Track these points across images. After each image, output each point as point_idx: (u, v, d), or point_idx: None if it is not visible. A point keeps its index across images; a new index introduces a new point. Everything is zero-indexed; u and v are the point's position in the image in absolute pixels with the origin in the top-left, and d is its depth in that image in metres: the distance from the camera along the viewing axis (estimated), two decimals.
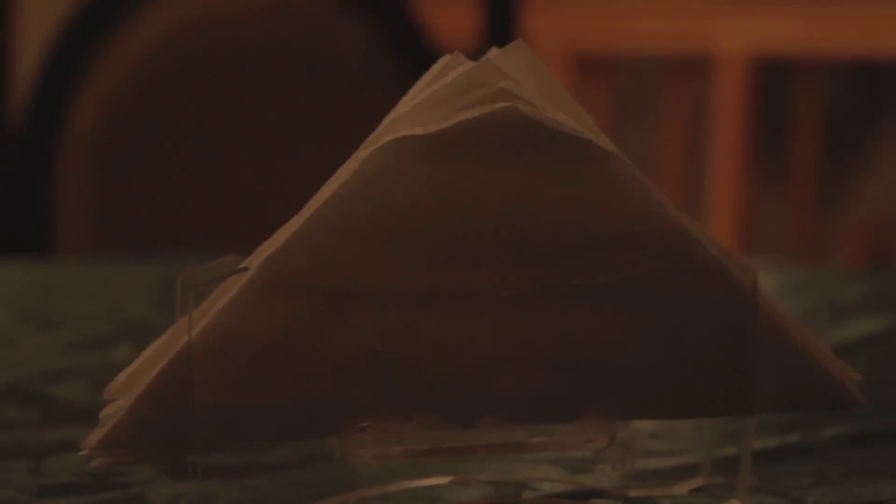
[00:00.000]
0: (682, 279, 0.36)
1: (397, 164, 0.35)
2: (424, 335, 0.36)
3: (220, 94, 1.44)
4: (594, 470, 0.45)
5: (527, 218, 0.36)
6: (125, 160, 1.36)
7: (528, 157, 0.36)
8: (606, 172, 0.36)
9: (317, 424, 0.37)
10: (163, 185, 1.40)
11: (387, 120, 0.37)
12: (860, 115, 3.32)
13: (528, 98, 0.35)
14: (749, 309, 0.36)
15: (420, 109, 0.37)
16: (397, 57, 1.36)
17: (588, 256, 0.36)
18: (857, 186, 3.41)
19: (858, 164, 3.35)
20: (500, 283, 0.36)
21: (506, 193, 0.36)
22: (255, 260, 0.36)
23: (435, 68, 0.37)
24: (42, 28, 1.43)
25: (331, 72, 1.40)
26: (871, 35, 2.63)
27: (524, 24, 1.48)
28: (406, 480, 0.42)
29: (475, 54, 0.38)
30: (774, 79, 3.00)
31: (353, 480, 0.42)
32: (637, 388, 0.37)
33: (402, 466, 0.42)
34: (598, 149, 0.36)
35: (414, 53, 1.37)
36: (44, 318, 0.79)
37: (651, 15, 2.85)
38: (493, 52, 0.37)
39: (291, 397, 0.36)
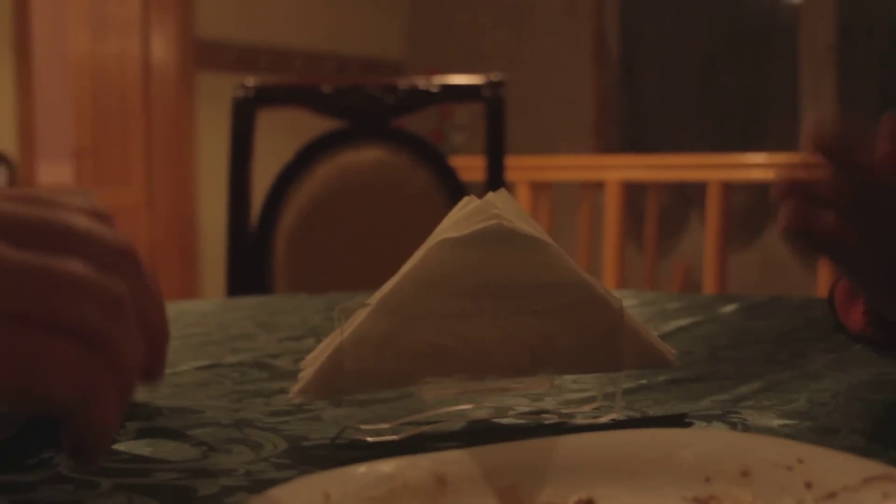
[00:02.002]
0: (584, 304, 0.55)
1: (443, 252, 0.54)
2: (457, 335, 0.54)
3: (349, 217, 1.79)
4: (543, 399, 0.62)
5: (507, 275, 0.54)
6: (305, 244, 1.81)
7: (506, 247, 0.54)
8: (547, 254, 0.55)
9: (403, 380, 0.54)
10: (323, 259, 1.80)
11: (437, 230, 0.56)
12: (678, 210, 5.88)
13: (506, 217, 0.54)
14: (618, 318, 0.55)
15: (453, 223, 0.56)
16: (442, 190, 1.73)
17: (539, 293, 0.54)
18: (676, 248, 6.02)
19: (677, 235, 5.92)
20: (494, 307, 0.54)
21: (496, 264, 0.54)
22: (373, 299, 0.54)
23: (460, 204, 0.57)
24: (266, 177, 1.78)
25: (406, 201, 1.75)
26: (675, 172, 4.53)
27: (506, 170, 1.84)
28: (448, 407, 0.58)
29: (481, 192, 0.58)
30: (635, 193, 5.00)
31: (420, 407, 0.58)
32: (563, 359, 0.55)
33: (446, 400, 0.57)
34: (542, 242, 0.55)
35: (451, 187, 1.79)
36: (268, 325, 0.96)
37: (573, 164, 4.84)
38: (489, 195, 0.56)
39: (390, 367, 0.53)
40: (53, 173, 6.00)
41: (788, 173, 0.59)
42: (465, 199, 0.58)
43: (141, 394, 0.66)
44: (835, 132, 0.58)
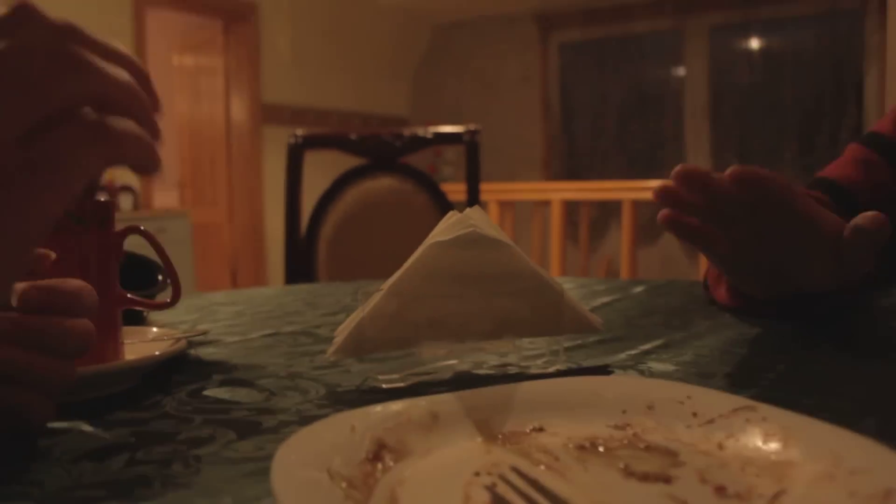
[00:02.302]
0: (536, 288, 0.54)
1: (434, 251, 0.54)
2: (446, 311, 0.54)
3: (370, 227, 1.78)
4: (507, 356, 0.62)
5: (481, 268, 0.54)
6: (339, 246, 1.80)
7: (480, 247, 0.54)
8: (509, 252, 0.55)
9: (408, 344, 0.54)
10: (352, 257, 1.79)
11: (430, 235, 0.56)
12: (602, 220, 5.84)
13: (480, 226, 0.54)
14: (560, 297, 0.55)
15: (441, 231, 0.55)
16: (436, 206, 1.74)
17: (503, 280, 0.54)
18: (601, 247, 5.88)
19: (602, 238, 5.87)
20: (472, 291, 0.54)
21: (473, 260, 0.54)
22: (385, 285, 0.54)
23: (446, 217, 0.57)
24: (312, 199, 1.78)
25: (411, 215, 1.73)
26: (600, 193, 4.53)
27: (481, 193, 1.81)
28: (441, 363, 0.58)
29: (463, 208, 0.57)
30: (572, 208, 4.91)
31: (420, 363, 0.58)
32: (521, 327, 0.55)
33: (439, 357, 0.58)
34: (505, 243, 0.55)
35: (442, 204, 1.80)
36: (313, 304, 0.95)
37: (529, 188, 4.77)
38: (467, 210, 0.56)
39: (398, 334, 0.54)
40: (164, 198, 5.99)
41: (661, 189, 0.60)
42: (450, 213, 0.58)
43: (222, 355, 0.67)
44: (694, 168, 0.59)
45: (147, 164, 0.33)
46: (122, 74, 0.33)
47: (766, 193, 0.61)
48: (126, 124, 0.32)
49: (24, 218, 0.30)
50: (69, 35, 0.32)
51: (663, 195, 0.60)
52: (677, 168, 0.59)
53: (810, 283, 0.67)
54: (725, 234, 0.63)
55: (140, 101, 0.33)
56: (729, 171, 0.60)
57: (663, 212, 0.61)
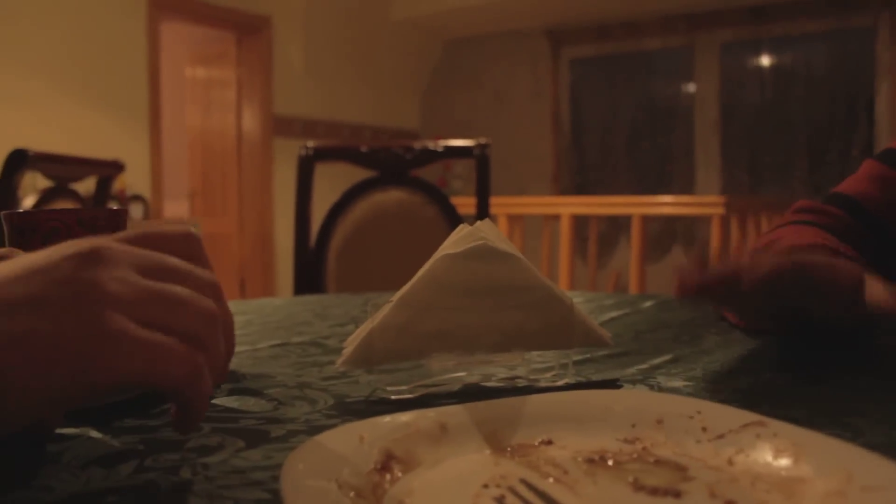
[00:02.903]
0: (545, 301, 0.54)
1: (444, 263, 0.54)
2: (455, 322, 0.53)
3: (379, 239, 1.78)
4: (516, 369, 0.61)
5: (490, 280, 0.54)
6: (349, 258, 1.79)
7: (489, 260, 0.54)
8: (519, 265, 0.54)
9: (417, 355, 0.54)
10: (361, 269, 1.79)
11: (440, 248, 0.56)
12: (611, 234, 5.86)
13: (489, 239, 0.54)
14: (569, 310, 0.54)
15: (451, 243, 0.56)
16: (446, 219, 1.72)
17: (512, 293, 0.54)
18: (610, 261, 5.89)
19: (610, 252, 5.87)
20: (481, 303, 0.53)
21: (483, 272, 0.54)
22: (395, 297, 0.54)
23: (456, 230, 0.57)
24: (321, 210, 1.78)
25: (420, 228, 1.73)
26: (609, 208, 4.60)
27: (491, 207, 1.80)
28: (449, 374, 0.57)
29: (473, 222, 0.58)
30: (581, 222, 5.19)
31: (429, 374, 0.57)
32: (530, 340, 0.55)
33: (448, 369, 0.56)
34: (515, 256, 0.55)
35: (451, 217, 1.78)
36: (322, 315, 0.95)
37: (538, 203, 4.71)
38: (477, 223, 0.56)
39: (407, 345, 0.53)
40: (174, 208, 6.02)
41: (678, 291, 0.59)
42: (460, 226, 0.58)
43: (231, 364, 0.66)
44: (711, 280, 0.59)
45: (194, 420, 0.37)
46: (224, 356, 0.39)
47: (781, 283, 0.61)
48: (210, 380, 0.36)
49: (102, 369, 0.32)
50: (214, 290, 0.39)
51: (682, 292, 0.59)
52: (679, 287, 0.58)
53: (828, 325, 0.67)
54: (743, 307, 0.66)
55: (221, 374, 0.38)
56: (748, 276, 0.59)
57: (678, 290, 0.60)
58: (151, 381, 0.33)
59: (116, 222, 0.58)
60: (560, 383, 0.57)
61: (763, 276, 0.60)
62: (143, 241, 0.39)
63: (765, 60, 5.72)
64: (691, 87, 5.97)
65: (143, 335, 0.33)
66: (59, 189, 2.04)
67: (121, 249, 0.36)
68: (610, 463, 0.39)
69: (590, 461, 0.39)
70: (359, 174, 1.83)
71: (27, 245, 0.55)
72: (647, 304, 0.99)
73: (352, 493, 0.33)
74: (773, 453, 0.37)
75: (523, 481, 0.35)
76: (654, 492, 0.35)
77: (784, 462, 0.36)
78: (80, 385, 0.31)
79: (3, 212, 0.56)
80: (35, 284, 0.32)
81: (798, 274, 0.62)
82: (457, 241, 0.56)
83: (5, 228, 0.56)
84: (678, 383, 0.57)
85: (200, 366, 0.35)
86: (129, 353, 0.32)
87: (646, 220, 4.20)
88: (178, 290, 0.36)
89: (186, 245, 0.41)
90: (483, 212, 1.82)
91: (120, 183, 4.41)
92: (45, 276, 0.32)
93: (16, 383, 0.29)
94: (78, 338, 0.31)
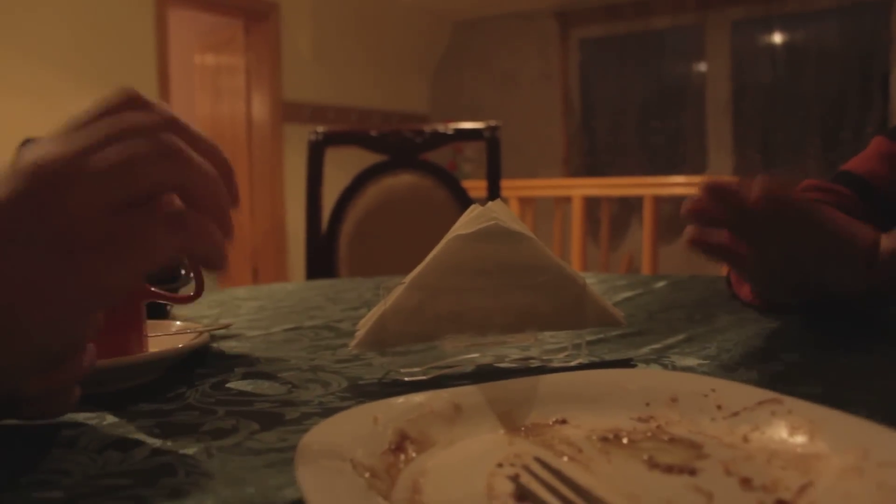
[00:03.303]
0: (558, 281, 0.54)
1: (456, 244, 0.54)
2: (468, 304, 0.53)
3: (391, 223, 1.79)
4: (529, 349, 0.62)
5: (502, 261, 0.53)
6: (360, 242, 1.80)
7: (502, 240, 0.53)
8: (531, 245, 0.54)
9: (429, 337, 0.54)
10: (373, 253, 1.80)
11: (452, 229, 0.56)
12: (623, 216, 5.88)
13: (501, 219, 0.54)
14: (582, 291, 0.54)
15: (463, 224, 0.55)
16: (457, 203, 1.72)
17: (525, 273, 0.54)
18: (622, 243, 5.85)
19: (622, 234, 5.87)
20: (494, 284, 0.53)
21: (495, 253, 0.53)
22: (407, 279, 0.54)
23: (468, 210, 0.56)
24: (332, 195, 1.78)
25: (431, 212, 1.73)
26: (621, 189, 4.56)
27: (501, 190, 1.79)
28: (462, 356, 0.58)
29: (483, 203, 0.57)
30: (592, 204, 5.07)
31: (442, 356, 0.58)
32: (543, 320, 0.55)
33: (461, 350, 0.56)
34: (527, 236, 0.54)
35: (462, 201, 1.77)
36: (335, 299, 0.96)
37: (549, 185, 4.73)
38: (489, 203, 0.56)
39: (420, 328, 0.53)
40: None
41: (691, 204, 0.59)
42: (472, 207, 0.57)
43: (244, 348, 0.67)
44: (722, 183, 0.59)
45: (214, 261, 0.34)
46: (208, 168, 0.34)
47: (792, 214, 0.60)
48: (202, 220, 0.34)
49: (91, 285, 0.32)
50: (169, 125, 0.34)
51: (692, 213, 0.59)
52: (705, 181, 0.59)
53: (841, 291, 0.66)
54: (754, 252, 0.62)
55: (220, 198, 0.35)
56: (755, 191, 0.58)
57: (689, 233, 0.61)
58: (147, 262, 0.32)
59: None
60: (573, 363, 0.57)
61: (771, 196, 0.58)
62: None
63: (777, 38, 5.66)
64: (702, 67, 5.92)
65: (112, 226, 0.32)
66: None
67: (59, 150, 0.33)
68: (624, 441, 0.39)
69: (604, 440, 0.39)
70: (369, 158, 1.82)
71: None
72: (660, 284, 0.99)
73: (367, 474, 0.33)
74: (788, 430, 0.37)
75: (538, 459, 0.35)
76: (669, 469, 0.35)
77: (800, 439, 0.36)
78: (87, 305, 0.32)
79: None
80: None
81: (809, 214, 0.61)
82: (468, 221, 0.56)
83: None
84: (692, 362, 0.57)
85: (185, 215, 0.33)
86: (112, 253, 0.32)
87: (658, 200, 4.18)
88: (128, 149, 0.32)
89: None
90: (494, 195, 1.81)
91: None
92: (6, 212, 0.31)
93: (17, 329, 0.30)
94: (58, 268, 0.31)
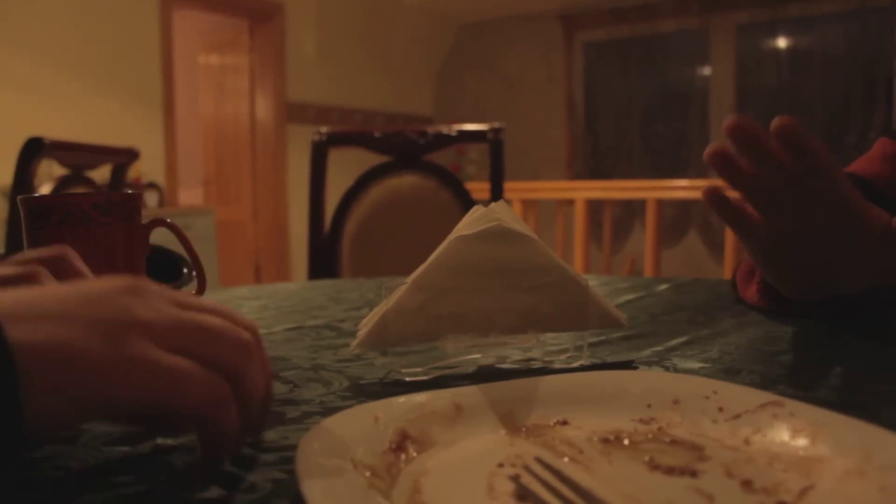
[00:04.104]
0: (560, 282, 0.54)
1: (459, 245, 0.53)
2: (470, 305, 0.53)
3: (393, 224, 1.79)
4: (531, 350, 0.61)
5: (505, 262, 0.53)
6: (363, 243, 1.79)
7: (504, 241, 0.53)
8: (534, 246, 0.54)
9: (431, 337, 0.53)
10: (375, 253, 1.79)
11: (454, 229, 0.56)
12: (626, 219, 5.85)
13: (504, 220, 0.53)
14: (585, 292, 0.54)
15: (465, 225, 0.55)
16: (460, 204, 1.72)
17: (527, 274, 0.53)
18: (625, 246, 5.83)
19: (625, 237, 5.83)
20: (496, 285, 0.53)
21: (497, 254, 0.53)
22: (409, 279, 0.54)
23: (470, 211, 0.56)
24: (335, 196, 1.78)
25: (434, 213, 1.73)
26: (624, 192, 4.48)
27: (505, 192, 1.78)
28: (464, 357, 0.57)
29: (487, 203, 0.57)
30: (595, 207, 4.91)
31: (444, 356, 0.57)
32: (545, 322, 0.54)
33: (462, 351, 0.56)
34: (530, 237, 0.54)
35: (465, 203, 1.75)
36: (337, 299, 0.94)
37: (552, 187, 4.66)
38: (492, 204, 0.56)
39: (422, 328, 0.53)
40: (189, 196, 6.04)
41: (714, 150, 0.57)
42: (475, 208, 0.57)
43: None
44: (742, 124, 0.56)
45: (219, 449, 0.35)
46: (262, 378, 0.37)
47: (812, 165, 0.57)
48: (235, 408, 0.35)
49: (122, 387, 0.32)
50: (253, 333, 0.38)
51: (715, 157, 0.57)
52: (731, 119, 0.56)
53: (849, 281, 0.65)
54: (768, 220, 0.60)
55: (257, 406, 0.37)
56: (776, 120, 0.56)
57: (708, 187, 0.59)
58: (169, 404, 0.33)
59: (131, 206, 0.58)
60: (575, 365, 0.57)
61: (793, 130, 0.55)
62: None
63: (781, 42, 5.66)
64: (706, 70, 5.92)
65: (164, 359, 0.33)
66: (75, 177, 2.05)
67: (161, 287, 0.36)
68: (626, 443, 0.38)
69: (605, 441, 0.39)
70: (372, 160, 1.83)
71: (43, 228, 0.55)
72: (663, 287, 0.99)
73: (367, 473, 0.33)
74: (790, 433, 0.37)
75: (538, 460, 0.35)
76: (670, 471, 0.35)
77: (801, 442, 0.36)
78: (96, 402, 0.31)
79: (20, 196, 0.57)
80: (70, 303, 0.32)
81: (828, 169, 0.58)
82: (471, 222, 0.56)
83: (22, 212, 0.57)
84: (694, 365, 0.56)
85: (224, 393, 0.34)
86: (148, 376, 0.32)
87: (661, 204, 4.18)
88: (212, 319, 0.36)
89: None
90: (497, 197, 1.81)
91: (135, 171, 4.42)
92: (81, 297, 0.33)
93: (32, 390, 0.29)
94: (99, 356, 0.31)
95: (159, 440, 0.41)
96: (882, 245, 0.61)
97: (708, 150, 0.57)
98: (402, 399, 0.41)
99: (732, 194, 0.62)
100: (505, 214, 0.56)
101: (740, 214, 0.61)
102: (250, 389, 0.36)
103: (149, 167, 4.68)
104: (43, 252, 0.43)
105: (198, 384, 0.33)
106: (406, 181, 1.84)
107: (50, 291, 0.33)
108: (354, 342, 0.55)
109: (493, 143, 1.81)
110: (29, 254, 0.43)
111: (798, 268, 0.65)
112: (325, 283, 1.14)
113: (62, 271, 0.44)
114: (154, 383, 0.32)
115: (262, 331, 0.73)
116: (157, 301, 0.35)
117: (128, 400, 0.32)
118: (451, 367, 0.56)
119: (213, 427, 0.34)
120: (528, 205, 4.49)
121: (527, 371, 0.56)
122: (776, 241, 0.63)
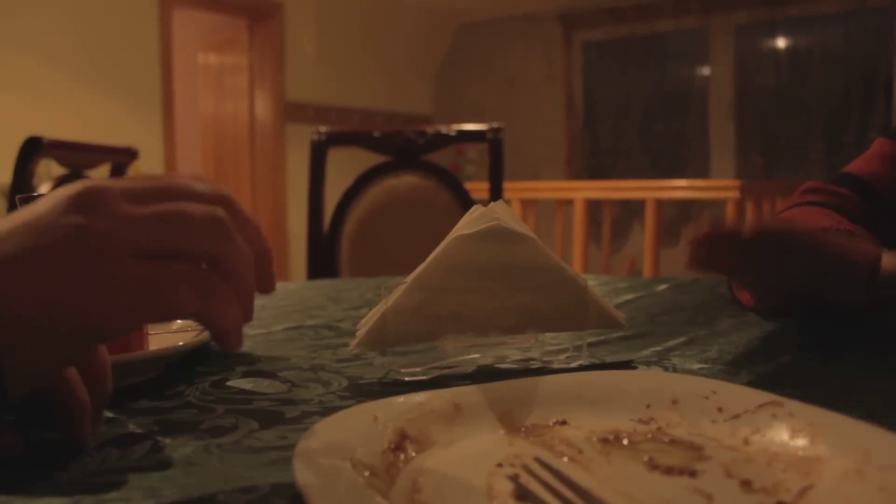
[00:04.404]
0: (559, 282, 0.54)
1: (458, 244, 0.53)
2: (469, 304, 0.53)
3: (393, 224, 1.79)
4: (530, 350, 0.62)
5: (504, 262, 0.53)
6: (362, 243, 1.80)
7: (503, 241, 0.53)
8: (533, 246, 0.54)
9: (430, 337, 0.53)
10: (374, 253, 1.80)
11: (453, 229, 0.56)
12: (625, 219, 5.86)
13: (503, 219, 0.54)
14: (583, 292, 0.54)
15: (464, 224, 0.55)
16: (459, 204, 1.71)
17: (526, 274, 0.53)
18: (624, 246, 5.83)
19: (624, 237, 5.82)
20: (495, 285, 0.53)
21: (496, 253, 0.53)
22: (408, 279, 0.54)
23: (469, 211, 0.56)
24: (335, 196, 1.78)
25: (433, 213, 1.73)
26: (623, 192, 4.44)
27: (504, 191, 1.78)
28: (463, 356, 0.58)
29: (486, 202, 0.57)
30: (594, 207, 4.91)
31: (443, 356, 0.58)
32: (544, 322, 0.54)
33: (461, 351, 0.56)
34: (529, 237, 0.54)
35: (465, 203, 1.75)
36: (336, 299, 0.95)
37: (551, 187, 4.63)
38: (491, 204, 0.56)
39: (421, 328, 0.53)
40: None
41: (691, 259, 0.59)
42: (474, 207, 0.57)
43: (245, 347, 0.67)
44: (718, 231, 0.58)
45: (228, 337, 0.34)
46: (245, 248, 0.35)
47: (789, 250, 0.60)
48: (227, 294, 0.33)
49: (94, 319, 0.31)
50: (222, 200, 0.35)
51: (694, 264, 0.59)
52: (702, 235, 0.58)
53: (844, 306, 0.66)
54: (755, 279, 0.63)
55: (249, 279, 0.35)
56: (748, 230, 0.59)
57: (690, 259, 0.60)
58: (160, 313, 0.31)
59: None
60: (574, 365, 0.57)
61: (767, 228, 0.59)
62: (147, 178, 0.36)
63: (780, 42, 5.66)
64: (706, 70, 5.92)
65: (140, 269, 0.31)
66: (74, 176, 2.04)
67: (111, 184, 0.33)
68: (625, 442, 0.38)
69: (604, 441, 0.39)
70: (371, 159, 1.82)
71: None
72: (662, 287, 0.99)
73: (366, 473, 0.33)
74: (789, 433, 0.37)
75: (537, 459, 0.35)
76: (669, 471, 0.35)
77: (801, 442, 0.36)
78: (86, 334, 0.30)
79: (18, 195, 0.56)
80: (24, 238, 0.31)
81: (809, 252, 0.61)
82: (470, 222, 0.56)
83: None
84: (693, 365, 0.56)
85: (211, 282, 0.33)
86: (129, 291, 0.31)
87: (660, 204, 4.18)
88: (176, 207, 0.33)
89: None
90: (496, 196, 1.81)
91: (134, 170, 4.42)
92: (33, 228, 0.31)
93: (18, 342, 0.29)
94: (74, 288, 0.30)
95: (157, 442, 0.41)
96: (870, 280, 0.62)
97: (687, 262, 0.59)
98: (401, 399, 0.41)
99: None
100: (504, 214, 0.56)
101: (728, 267, 0.62)
102: (237, 267, 0.34)
103: (148, 166, 4.68)
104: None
105: (178, 285, 0.32)
106: (405, 181, 1.84)
107: None
108: (353, 342, 0.55)
109: (493, 143, 1.81)
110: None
111: (791, 301, 0.68)
112: (323, 283, 1.14)
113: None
114: (137, 296, 0.31)
115: (260, 330, 0.73)
116: (112, 204, 0.32)
117: (115, 322, 0.31)
118: (451, 367, 0.56)
119: (211, 318, 0.33)
120: (527, 204, 4.49)
121: (526, 371, 0.56)
122: (764, 285, 0.65)
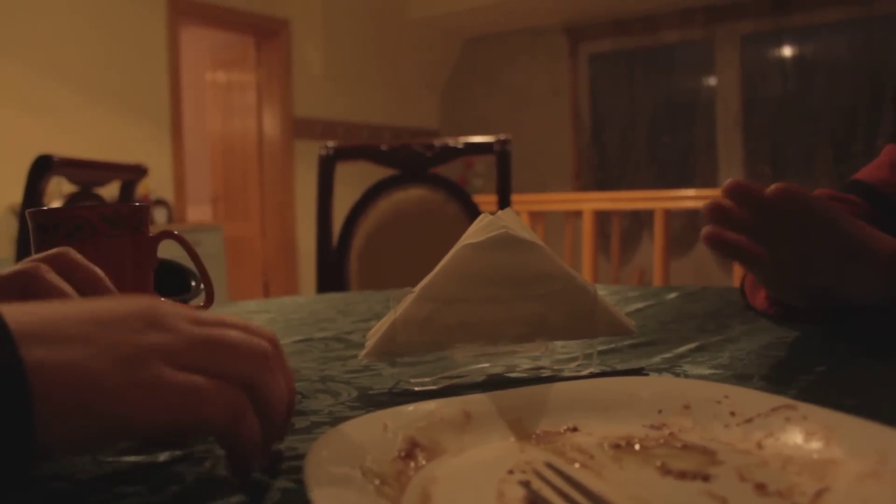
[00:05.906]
0: (569, 290, 0.53)
1: (466, 253, 0.53)
2: (478, 313, 0.53)
3: (401, 237, 1.79)
4: (540, 359, 0.61)
5: (513, 270, 0.53)
6: (371, 256, 1.80)
7: (512, 249, 0.53)
8: (542, 254, 0.54)
9: (440, 347, 0.53)
10: (383, 266, 1.82)
11: (461, 238, 0.55)
12: (634, 230, 5.84)
13: (511, 228, 0.53)
14: (594, 300, 0.54)
15: (473, 233, 0.55)
16: (467, 217, 1.71)
17: (536, 282, 0.53)
18: (633, 257, 5.78)
19: (633, 248, 5.78)
20: (504, 293, 0.53)
21: (505, 262, 0.53)
22: (417, 288, 0.54)
23: (477, 220, 0.56)
24: (343, 210, 1.77)
25: (441, 226, 1.73)
26: (631, 203, 4.60)
27: (512, 204, 1.78)
28: (473, 366, 0.57)
29: (494, 211, 0.57)
30: (603, 218, 5.30)
31: (452, 366, 0.57)
32: (554, 330, 0.54)
33: (471, 360, 0.55)
34: (537, 245, 0.54)
35: (473, 215, 1.71)
36: (345, 312, 0.95)
37: (560, 199, 4.63)
38: (499, 212, 0.56)
39: (430, 337, 0.53)
40: (197, 213, 6.06)
41: (710, 205, 0.58)
42: (482, 216, 0.57)
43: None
44: (741, 183, 0.58)
45: (242, 467, 0.35)
46: (283, 386, 0.37)
47: (810, 214, 0.60)
48: (257, 424, 0.35)
49: (139, 407, 0.32)
50: (272, 342, 0.38)
51: (712, 212, 0.58)
52: (729, 181, 0.58)
53: (858, 299, 0.66)
54: (771, 254, 0.61)
55: (280, 411, 0.36)
56: (773, 186, 0.59)
57: (707, 230, 0.59)
58: (188, 423, 0.32)
59: (139, 218, 0.58)
60: (584, 373, 0.56)
61: (791, 187, 0.58)
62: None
63: (786, 51, 5.66)
64: (712, 81, 5.92)
65: (178, 378, 0.32)
66: (84, 194, 2.06)
67: (177, 306, 0.36)
68: (637, 448, 0.38)
69: (616, 447, 0.38)
70: (379, 173, 1.83)
71: (51, 242, 0.55)
72: (672, 295, 0.99)
73: (376, 481, 0.33)
74: (803, 436, 0.37)
75: (549, 465, 0.35)
76: (683, 476, 0.34)
77: (815, 444, 0.36)
78: (111, 426, 0.31)
79: (28, 210, 0.57)
80: (85, 325, 0.32)
81: (827, 216, 0.60)
82: (478, 230, 0.55)
83: (30, 227, 0.57)
84: (704, 371, 0.56)
85: (242, 404, 0.34)
86: (162, 398, 0.32)
87: (669, 214, 4.17)
88: (228, 333, 0.36)
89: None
90: (505, 196, 1.82)
91: (143, 187, 4.44)
92: (95, 320, 0.32)
93: (45, 411, 0.29)
94: (113, 380, 0.31)
95: (167, 453, 0.41)
96: (888, 270, 0.61)
97: (703, 208, 0.59)
98: (410, 407, 0.41)
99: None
100: (512, 222, 0.56)
101: (743, 250, 0.61)
102: (270, 398, 0.35)
103: (157, 184, 4.70)
104: (45, 254, 0.45)
105: (213, 399, 0.33)
106: (413, 194, 1.84)
107: (65, 309, 0.33)
108: (362, 353, 0.54)
109: (501, 155, 1.81)
110: (31, 258, 0.44)
111: (807, 291, 0.66)
112: (333, 296, 1.14)
113: (65, 265, 0.45)
114: (169, 404, 0.32)
115: None
116: (171, 321, 0.34)
117: (143, 422, 0.32)
118: (460, 377, 0.56)
119: (234, 440, 0.34)
120: (535, 216, 4.49)
121: (536, 379, 0.55)
122: (783, 271, 0.64)
